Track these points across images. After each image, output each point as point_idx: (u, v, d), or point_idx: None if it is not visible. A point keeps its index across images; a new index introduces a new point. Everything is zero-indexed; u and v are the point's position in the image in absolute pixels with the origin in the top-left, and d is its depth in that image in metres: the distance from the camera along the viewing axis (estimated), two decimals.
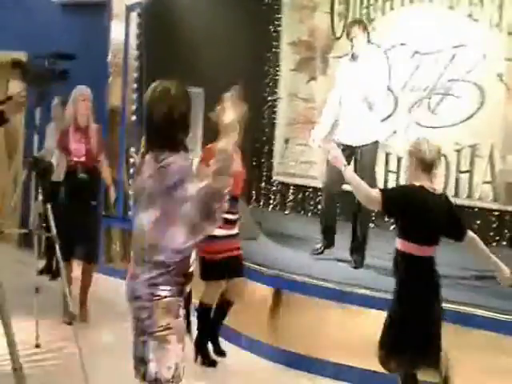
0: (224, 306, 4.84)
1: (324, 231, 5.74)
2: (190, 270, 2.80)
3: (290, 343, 4.91)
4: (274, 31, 8.57)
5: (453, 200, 6.70)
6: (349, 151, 5.37)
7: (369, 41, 5.68)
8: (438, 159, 3.70)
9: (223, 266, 4.68)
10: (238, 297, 4.82)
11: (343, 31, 6.14)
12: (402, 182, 7.25)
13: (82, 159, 5.58)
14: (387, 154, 7.38)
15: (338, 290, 4.78)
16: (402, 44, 7.40)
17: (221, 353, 4.88)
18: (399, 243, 3.67)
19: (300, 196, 8.26)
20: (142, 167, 2.77)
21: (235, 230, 4.80)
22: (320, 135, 5.63)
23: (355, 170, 5.36)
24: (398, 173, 7.37)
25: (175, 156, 2.66)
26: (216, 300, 4.76)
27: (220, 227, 4.48)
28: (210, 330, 4.85)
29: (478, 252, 3.78)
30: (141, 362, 2.71)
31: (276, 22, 8.54)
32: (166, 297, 2.67)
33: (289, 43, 8.47)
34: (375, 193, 3.71)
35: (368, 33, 5.67)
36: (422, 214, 3.60)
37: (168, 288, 2.68)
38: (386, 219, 6.36)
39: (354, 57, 5.59)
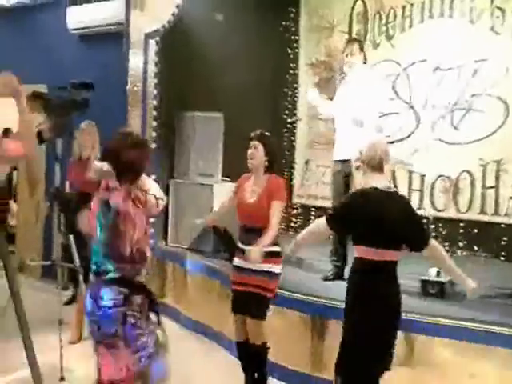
0: (251, 348, 4.32)
1: (334, 254, 5.66)
2: None
3: (322, 370, 4.74)
4: (291, 53, 8.60)
5: (478, 217, 6.85)
6: (344, 167, 5.44)
7: (364, 62, 5.78)
8: (385, 156, 3.60)
9: (237, 300, 4.34)
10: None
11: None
12: (426, 200, 7.22)
13: (79, 190, 5.49)
14: (410, 173, 7.29)
15: None
16: (422, 60, 7.36)
17: None
18: (359, 250, 3.54)
19: None
20: None
21: (255, 265, 4.12)
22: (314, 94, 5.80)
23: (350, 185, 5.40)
24: (421, 191, 7.28)
25: None
26: (239, 335, 4.40)
27: (236, 256, 4.38)
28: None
29: (440, 263, 3.69)
30: None
31: (294, 44, 8.57)
32: None
33: (307, 64, 8.46)
34: (321, 225, 3.65)
35: (364, 54, 5.72)
36: (378, 214, 3.45)
37: None
38: None
39: (346, 76, 5.63)
